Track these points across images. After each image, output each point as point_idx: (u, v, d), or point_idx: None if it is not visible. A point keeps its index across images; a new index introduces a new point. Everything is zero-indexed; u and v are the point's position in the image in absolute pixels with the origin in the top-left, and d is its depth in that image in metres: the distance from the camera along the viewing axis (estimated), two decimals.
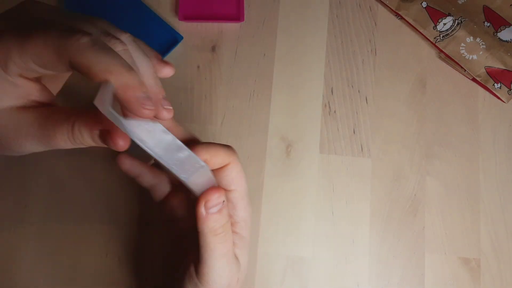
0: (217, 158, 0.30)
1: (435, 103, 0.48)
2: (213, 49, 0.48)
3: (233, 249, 0.30)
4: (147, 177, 0.34)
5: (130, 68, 0.24)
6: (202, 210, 0.27)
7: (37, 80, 0.28)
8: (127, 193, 0.45)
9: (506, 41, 0.47)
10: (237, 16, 0.48)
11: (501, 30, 0.48)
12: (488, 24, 0.48)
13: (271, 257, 0.44)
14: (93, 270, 0.44)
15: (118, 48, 0.25)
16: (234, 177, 0.31)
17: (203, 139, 0.47)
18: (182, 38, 0.47)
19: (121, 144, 0.25)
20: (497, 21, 0.48)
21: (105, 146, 0.26)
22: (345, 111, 0.48)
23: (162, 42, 0.47)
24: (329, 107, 0.48)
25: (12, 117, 0.26)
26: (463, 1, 0.49)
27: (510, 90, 0.47)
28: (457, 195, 0.46)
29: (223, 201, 0.28)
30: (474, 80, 0.48)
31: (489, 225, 0.45)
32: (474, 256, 0.44)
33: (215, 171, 0.30)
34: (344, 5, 0.50)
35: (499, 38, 0.47)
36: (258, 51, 0.48)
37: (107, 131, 0.25)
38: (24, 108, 0.27)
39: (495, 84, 0.47)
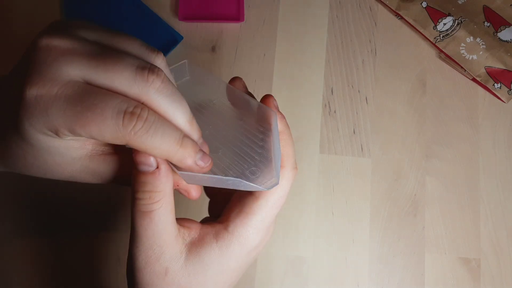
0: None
1: (435, 103, 0.48)
2: (213, 49, 0.48)
3: (174, 228, 0.26)
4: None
5: (182, 136, 0.24)
6: (134, 160, 0.24)
7: None
8: (127, 192, 0.45)
9: (506, 41, 0.47)
10: (237, 16, 0.48)
11: (501, 30, 0.48)
12: (488, 24, 0.48)
13: (271, 257, 0.44)
14: (93, 269, 0.44)
15: (156, 85, 0.23)
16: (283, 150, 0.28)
17: None
18: (182, 38, 0.47)
19: (195, 196, 0.27)
20: (497, 21, 0.48)
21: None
22: (345, 111, 0.48)
23: (162, 42, 0.47)
24: (329, 107, 0.48)
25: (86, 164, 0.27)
26: (463, 1, 0.49)
27: (510, 90, 0.47)
28: (457, 194, 0.46)
29: (157, 167, 0.24)
30: (474, 80, 0.48)
31: (489, 225, 0.45)
32: (474, 256, 0.44)
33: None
34: (344, 5, 0.50)
35: (499, 38, 0.47)
36: (258, 51, 0.48)
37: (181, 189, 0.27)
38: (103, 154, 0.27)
39: (495, 84, 0.47)
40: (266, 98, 0.28)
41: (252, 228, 0.27)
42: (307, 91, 0.48)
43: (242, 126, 0.30)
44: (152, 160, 0.24)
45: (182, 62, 0.30)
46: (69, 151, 0.26)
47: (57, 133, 0.23)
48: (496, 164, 0.46)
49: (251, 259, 0.28)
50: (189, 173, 0.25)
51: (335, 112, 0.48)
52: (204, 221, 0.28)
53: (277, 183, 0.25)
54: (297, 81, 0.47)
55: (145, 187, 0.24)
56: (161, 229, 0.25)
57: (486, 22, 0.48)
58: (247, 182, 0.24)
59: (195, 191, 0.27)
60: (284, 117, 0.29)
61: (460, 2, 0.49)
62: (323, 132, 0.47)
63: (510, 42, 0.47)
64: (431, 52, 0.49)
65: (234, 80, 0.30)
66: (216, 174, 0.26)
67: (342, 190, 0.46)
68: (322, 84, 0.48)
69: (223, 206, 0.29)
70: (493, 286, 0.44)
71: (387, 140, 0.47)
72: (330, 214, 0.45)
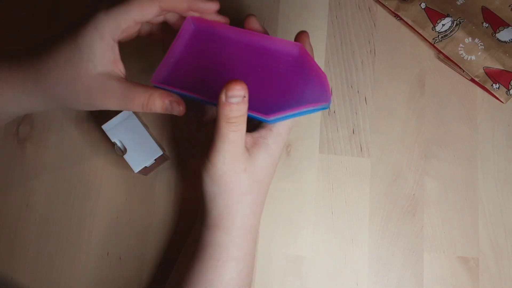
0: None
1: (433, 104, 0.48)
2: None
3: (247, 141, 0.36)
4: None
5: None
6: (222, 97, 0.31)
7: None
8: (128, 192, 0.46)
9: (505, 42, 0.48)
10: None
11: (500, 31, 0.48)
12: (487, 25, 0.48)
13: (271, 256, 0.45)
14: (93, 270, 0.44)
15: None
16: None
17: (204, 143, 0.47)
18: None
19: (182, 110, 0.35)
20: (495, 22, 0.48)
21: (166, 112, 0.35)
22: (345, 112, 0.48)
23: None
24: (329, 107, 0.48)
25: (104, 82, 0.34)
26: (461, 2, 0.49)
27: (508, 90, 0.47)
28: (456, 194, 0.46)
29: (244, 97, 0.31)
30: (472, 80, 0.48)
31: (488, 225, 0.45)
32: (472, 255, 0.45)
33: None
34: (343, 6, 0.50)
35: (497, 38, 0.48)
36: None
37: (176, 101, 0.35)
38: (112, 75, 0.34)
39: (494, 85, 0.47)
40: (300, 34, 0.38)
41: (286, 126, 0.37)
42: None
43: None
44: (243, 92, 0.31)
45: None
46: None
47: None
48: (495, 164, 0.47)
49: (282, 151, 0.40)
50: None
51: (334, 112, 0.48)
52: (251, 131, 0.37)
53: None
54: None
55: (236, 113, 0.32)
56: (241, 143, 0.34)
57: (484, 23, 0.48)
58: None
59: (183, 107, 0.35)
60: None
61: (458, 3, 0.49)
62: (322, 132, 0.47)
63: (509, 42, 0.48)
64: (430, 53, 0.49)
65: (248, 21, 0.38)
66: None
67: (342, 190, 0.46)
68: None
69: None
70: (492, 285, 0.44)
71: (386, 140, 0.47)
72: (329, 214, 0.45)
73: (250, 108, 0.32)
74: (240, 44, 0.37)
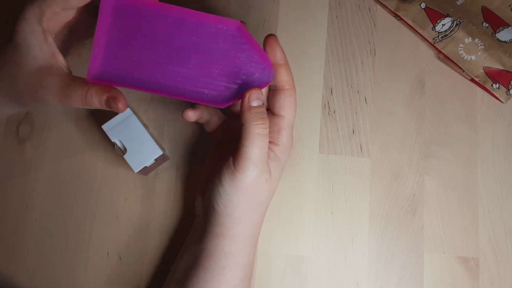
0: (287, 77, 0.38)
1: (433, 103, 0.48)
2: None
3: (267, 153, 0.36)
4: (205, 116, 0.41)
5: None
6: (246, 102, 0.34)
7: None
8: (128, 192, 0.46)
9: (505, 42, 0.48)
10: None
11: (500, 30, 0.48)
12: (487, 25, 0.48)
13: (271, 256, 0.45)
14: (93, 270, 0.44)
15: None
16: (287, 104, 0.38)
17: (204, 143, 0.48)
18: None
19: (121, 107, 0.33)
20: (495, 22, 0.48)
21: (107, 109, 0.34)
22: (345, 111, 0.48)
23: None
24: (329, 107, 0.48)
25: (43, 78, 0.33)
26: (461, 2, 0.49)
27: (508, 90, 0.47)
28: (456, 194, 0.46)
29: (263, 103, 0.35)
30: (472, 80, 0.48)
31: (488, 224, 0.45)
32: (472, 255, 0.45)
33: (273, 91, 0.39)
34: (343, 6, 0.50)
35: (497, 38, 0.48)
36: None
37: (113, 97, 0.33)
38: (52, 69, 0.34)
39: (494, 85, 0.47)
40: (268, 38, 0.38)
41: (290, 136, 0.39)
42: (307, 91, 0.48)
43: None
44: (262, 96, 0.34)
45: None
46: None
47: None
48: (495, 163, 0.47)
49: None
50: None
51: (334, 112, 0.48)
52: None
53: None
54: (296, 81, 0.47)
55: (262, 115, 0.34)
56: (266, 150, 0.35)
57: (484, 23, 0.48)
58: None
59: (122, 104, 0.33)
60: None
61: (458, 3, 0.49)
62: (322, 132, 0.47)
63: (509, 42, 0.47)
64: (430, 53, 0.49)
65: None
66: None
67: (342, 190, 0.46)
68: (321, 85, 0.48)
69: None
70: (492, 285, 0.44)
71: (386, 140, 0.47)
72: (329, 214, 0.45)
73: (200, 89, 0.35)
74: (173, 20, 0.34)
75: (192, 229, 0.42)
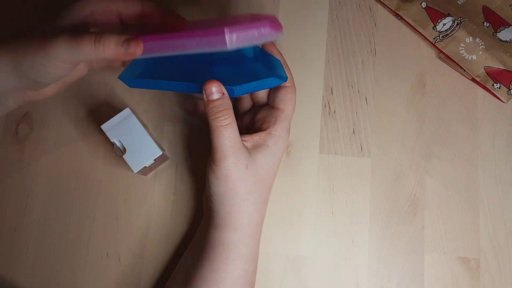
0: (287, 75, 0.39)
1: (434, 103, 0.48)
2: None
3: (247, 142, 0.38)
4: (201, 106, 0.43)
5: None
6: (204, 97, 0.35)
7: None
8: (127, 192, 0.46)
9: (506, 41, 0.47)
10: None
11: (501, 30, 0.48)
12: (488, 24, 0.48)
13: (271, 257, 0.44)
14: (93, 269, 0.44)
15: None
16: (287, 100, 0.40)
17: (205, 145, 0.47)
18: None
19: (139, 51, 0.33)
20: (496, 22, 0.48)
21: (119, 57, 0.33)
22: (345, 111, 0.48)
23: None
24: (329, 107, 0.48)
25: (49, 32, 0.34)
26: (462, 2, 0.49)
27: (510, 90, 0.47)
28: (457, 194, 0.46)
29: (223, 93, 0.35)
30: (473, 80, 0.48)
31: (489, 225, 0.45)
32: (473, 255, 0.45)
33: (274, 89, 0.41)
34: (344, 5, 0.50)
35: (498, 38, 0.48)
36: None
37: (130, 39, 0.33)
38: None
39: (495, 84, 0.47)
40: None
41: (285, 129, 0.40)
42: (307, 91, 0.48)
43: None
44: (221, 88, 0.35)
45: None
46: None
47: None
48: (496, 164, 0.47)
49: (283, 152, 0.41)
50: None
51: (335, 112, 0.48)
52: (251, 133, 0.39)
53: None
54: (297, 81, 0.47)
55: (220, 108, 0.35)
56: (236, 138, 0.36)
57: (485, 23, 0.48)
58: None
59: (140, 47, 0.33)
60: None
61: (459, 3, 0.49)
62: (323, 132, 0.47)
63: (510, 42, 0.47)
64: (431, 52, 0.49)
65: None
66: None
67: (342, 190, 0.46)
68: (322, 84, 0.48)
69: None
70: (493, 285, 0.44)
71: (387, 140, 0.47)
72: (329, 214, 0.45)
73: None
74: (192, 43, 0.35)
75: (199, 227, 0.42)
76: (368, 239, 0.45)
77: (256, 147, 0.38)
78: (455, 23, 0.48)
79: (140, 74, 0.37)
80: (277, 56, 0.41)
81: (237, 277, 0.38)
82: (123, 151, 0.41)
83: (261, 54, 0.41)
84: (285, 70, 0.39)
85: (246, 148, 0.38)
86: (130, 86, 0.37)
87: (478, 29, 0.48)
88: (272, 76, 0.36)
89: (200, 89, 0.36)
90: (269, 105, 0.42)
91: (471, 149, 0.47)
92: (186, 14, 0.41)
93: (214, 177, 0.37)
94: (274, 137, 0.39)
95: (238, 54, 0.39)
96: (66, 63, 0.34)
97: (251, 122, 0.43)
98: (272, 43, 0.41)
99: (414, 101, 0.48)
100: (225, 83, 0.36)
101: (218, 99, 0.35)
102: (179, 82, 0.36)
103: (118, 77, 0.37)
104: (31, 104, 0.41)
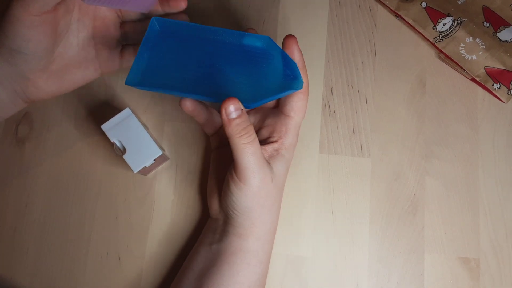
0: (303, 80, 0.37)
1: (434, 103, 0.48)
2: None
3: (263, 154, 0.37)
4: (203, 114, 0.41)
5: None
6: (224, 116, 0.33)
7: None
8: (127, 192, 0.46)
9: (506, 41, 0.47)
10: None
11: (501, 30, 0.48)
12: (488, 24, 0.48)
13: (271, 257, 0.44)
14: (93, 269, 0.44)
15: None
16: (298, 107, 0.39)
17: (205, 145, 0.47)
18: None
19: (183, 5, 0.39)
20: (496, 22, 0.48)
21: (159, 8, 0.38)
22: (345, 111, 0.48)
23: None
24: (329, 107, 0.48)
25: None
26: (462, 1, 0.49)
27: (510, 90, 0.47)
28: (457, 194, 0.46)
29: (242, 109, 0.34)
30: (473, 80, 0.48)
31: (489, 225, 0.45)
32: (473, 255, 0.45)
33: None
34: (344, 5, 0.50)
35: (498, 38, 0.48)
36: None
37: None
38: None
39: (495, 84, 0.47)
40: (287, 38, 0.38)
41: (295, 136, 0.40)
42: None
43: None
44: (239, 105, 0.34)
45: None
46: None
47: None
48: (496, 164, 0.47)
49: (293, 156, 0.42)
50: None
51: (334, 112, 0.48)
52: (263, 144, 0.39)
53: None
54: None
55: (242, 125, 0.34)
56: (260, 153, 0.36)
57: (485, 23, 0.48)
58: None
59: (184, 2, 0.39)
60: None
61: (459, 3, 0.49)
62: (322, 132, 0.47)
63: (510, 42, 0.47)
64: (431, 52, 0.49)
65: None
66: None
67: (342, 190, 0.46)
68: (322, 84, 0.48)
69: None
70: (493, 285, 0.44)
71: (387, 140, 0.47)
72: (329, 214, 0.45)
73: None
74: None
75: (206, 230, 0.42)
76: (368, 239, 0.45)
77: (272, 158, 0.39)
78: (455, 23, 0.48)
79: (145, 81, 0.37)
80: (297, 56, 0.38)
81: (255, 280, 0.38)
82: (123, 151, 0.41)
83: (278, 53, 0.38)
84: (302, 74, 0.37)
85: (267, 160, 0.38)
86: (137, 88, 0.37)
87: (478, 29, 0.48)
88: (289, 89, 0.36)
89: (211, 98, 0.36)
90: (279, 109, 0.41)
91: (471, 149, 0.47)
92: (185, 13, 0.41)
93: (242, 194, 0.36)
94: (287, 146, 0.39)
95: (250, 55, 0.38)
96: (38, 11, 0.32)
97: (258, 123, 0.42)
98: (295, 40, 0.38)
99: (414, 101, 0.48)
100: (241, 99, 0.34)
101: (238, 117, 0.34)
102: (190, 94, 0.37)
103: (125, 83, 0.36)
104: (31, 104, 0.41)
